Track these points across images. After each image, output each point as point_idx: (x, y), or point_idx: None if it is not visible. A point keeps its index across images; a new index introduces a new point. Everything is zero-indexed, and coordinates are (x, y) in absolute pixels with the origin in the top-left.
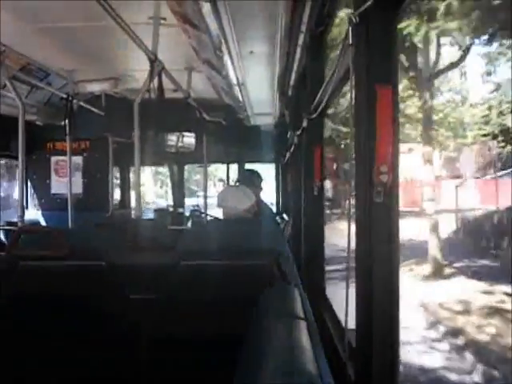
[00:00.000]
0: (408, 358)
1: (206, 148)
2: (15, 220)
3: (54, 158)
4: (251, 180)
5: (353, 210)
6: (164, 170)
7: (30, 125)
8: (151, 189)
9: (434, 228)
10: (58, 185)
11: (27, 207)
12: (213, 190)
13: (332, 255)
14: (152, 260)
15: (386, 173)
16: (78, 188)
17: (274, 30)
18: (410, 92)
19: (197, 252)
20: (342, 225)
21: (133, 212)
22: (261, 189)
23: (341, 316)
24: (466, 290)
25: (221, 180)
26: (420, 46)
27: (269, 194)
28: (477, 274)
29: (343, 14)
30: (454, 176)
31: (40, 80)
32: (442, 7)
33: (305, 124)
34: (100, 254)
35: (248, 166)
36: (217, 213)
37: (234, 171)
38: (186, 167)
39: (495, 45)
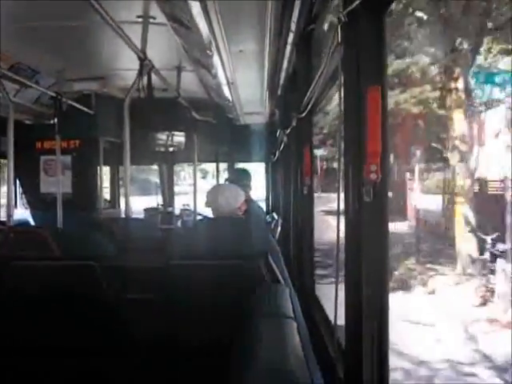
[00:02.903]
0: None
1: (196, 147)
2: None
3: (43, 158)
4: (241, 179)
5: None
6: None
7: (18, 124)
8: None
9: None
10: (47, 184)
11: (16, 206)
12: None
13: None
14: (142, 260)
15: (375, 172)
16: (67, 187)
17: (263, 29)
18: None
19: (186, 252)
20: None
21: (122, 211)
22: (250, 188)
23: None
24: None
25: (205, 174)
26: None
27: (259, 192)
28: None
29: (332, 13)
30: None
31: (29, 79)
32: None
33: (294, 123)
34: (90, 254)
35: (238, 164)
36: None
37: (223, 168)
38: None
39: None
